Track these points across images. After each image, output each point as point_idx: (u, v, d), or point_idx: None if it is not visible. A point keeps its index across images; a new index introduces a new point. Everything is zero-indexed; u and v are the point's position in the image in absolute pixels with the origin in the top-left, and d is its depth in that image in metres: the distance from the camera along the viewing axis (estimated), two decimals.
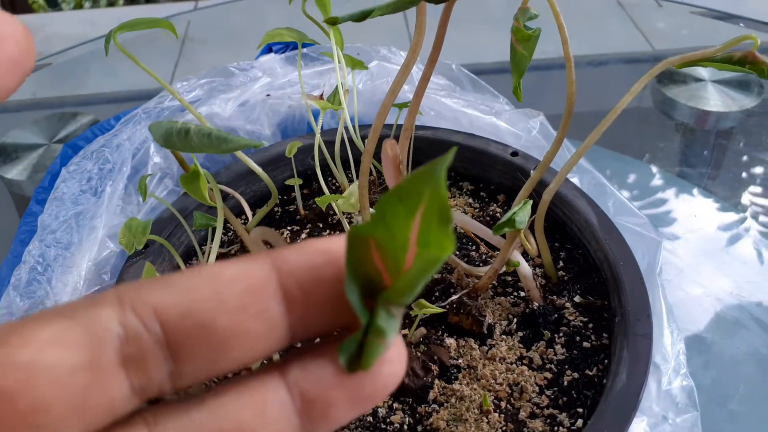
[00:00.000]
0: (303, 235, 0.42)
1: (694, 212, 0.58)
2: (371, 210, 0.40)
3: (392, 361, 0.15)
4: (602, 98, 0.84)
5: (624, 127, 0.69)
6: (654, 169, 0.64)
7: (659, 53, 0.98)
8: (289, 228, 0.43)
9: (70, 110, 0.80)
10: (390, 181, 0.33)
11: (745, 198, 0.60)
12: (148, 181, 0.45)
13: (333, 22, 0.26)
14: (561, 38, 0.31)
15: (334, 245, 0.15)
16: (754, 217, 0.58)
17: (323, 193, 0.43)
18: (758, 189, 0.61)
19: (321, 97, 0.39)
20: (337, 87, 0.40)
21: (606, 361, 0.34)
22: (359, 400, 0.15)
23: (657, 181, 0.62)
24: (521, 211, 0.31)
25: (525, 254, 0.39)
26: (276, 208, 0.45)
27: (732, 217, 0.58)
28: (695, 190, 0.61)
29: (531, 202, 0.32)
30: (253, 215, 0.44)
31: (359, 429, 0.32)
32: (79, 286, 0.39)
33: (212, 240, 0.37)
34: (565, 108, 0.33)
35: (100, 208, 0.43)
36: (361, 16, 0.26)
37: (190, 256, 0.42)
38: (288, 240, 0.42)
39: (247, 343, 0.14)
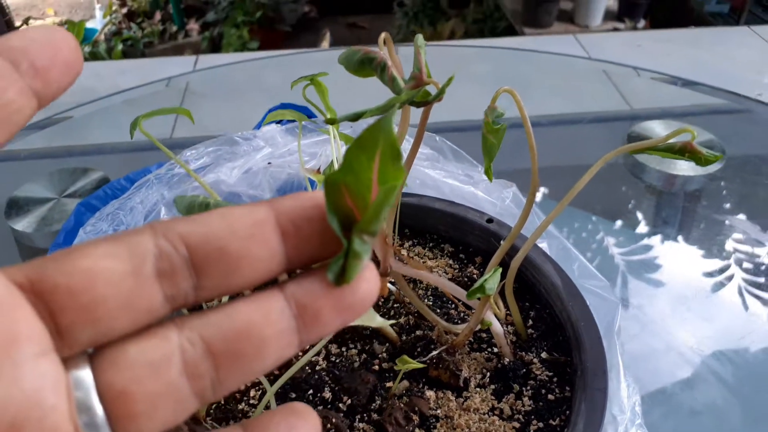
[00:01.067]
0: None
1: (661, 271, 0.63)
2: None
3: (368, 279, 0.19)
4: (583, 153, 0.90)
5: (596, 188, 0.74)
6: (622, 229, 0.69)
7: (635, 113, 1.04)
8: None
9: (79, 161, 0.85)
10: (378, 252, 0.37)
11: (709, 259, 0.65)
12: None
13: (332, 122, 0.31)
14: (529, 144, 0.36)
15: (318, 194, 0.19)
16: (720, 275, 0.63)
17: None
18: (721, 251, 0.66)
19: (318, 170, 0.44)
20: (332, 161, 0.45)
21: (567, 412, 0.38)
22: (343, 309, 0.19)
23: (624, 241, 0.67)
24: (491, 279, 0.35)
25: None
26: None
27: (694, 277, 0.63)
28: (662, 250, 0.66)
29: (501, 269, 0.37)
30: None
31: None
32: None
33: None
34: (529, 191, 0.37)
35: None
36: (355, 117, 0.31)
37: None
38: None
39: (253, 264, 0.18)
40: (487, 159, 0.38)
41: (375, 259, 0.47)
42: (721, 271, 0.63)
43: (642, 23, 2.27)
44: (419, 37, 0.31)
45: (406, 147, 0.55)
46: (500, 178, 0.54)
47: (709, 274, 0.63)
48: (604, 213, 0.71)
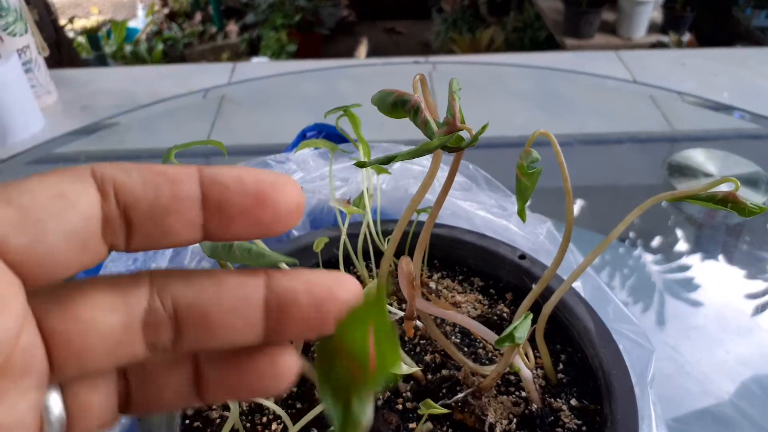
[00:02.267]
0: None
1: (696, 308, 0.61)
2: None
3: None
4: (619, 174, 0.88)
5: (637, 219, 0.72)
6: (659, 260, 0.67)
7: (675, 135, 1.02)
8: None
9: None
10: (405, 292, 0.37)
11: (749, 296, 0.62)
12: (187, 263, 0.50)
13: (362, 165, 0.30)
14: (565, 188, 0.35)
15: (318, 277, 0.19)
16: (758, 315, 0.60)
17: None
18: (762, 287, 0.64)
19: (348, 201, 0.44)
20: (362, 192, 0.44)
21: None
22: None
23: (659, 275, 0.65)
24: (521, 327, 0.34)
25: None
26: None
27: (733, 314, 0.61)
28: (698, 285, 0.64)
29: (531, 315, 0.36)
30: None
31: None
32: None
33: None
34: (563, 235, 0.36)
35: None
36: (386, 161, 0.30)
37: None
38: None
39: (230, 333, 0.19)
40: (520, 201, 0.37)
41: (402, 300, 0.46)
42: (763, 293, 0.61)
43: (687, 36, 2.22)
44: (454, 81, 0.30)
45: (439, 176, 0.54)
46: (534, 196, 0.53)
47: (748, 315, 0.61)
48: (643, 243, 0.69)
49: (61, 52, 2.84)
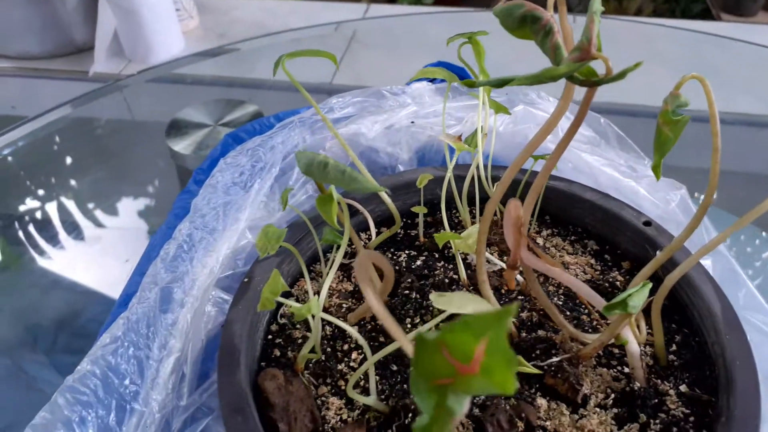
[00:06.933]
0: (418, 261, 0.44)
1: None
2: (486, 256, 0.41)
3: None
4: (765, 161, 0.79)
5: None
6: None
7: None
8: (407, 252, 0.45)
9: (238, 93, 0.87)
10: (509, 240, 0.34)
11: None
12: (293, 183, 0.49)
13: (470, 85, 0.27)
14: (713, 145, 0.30)
15: None
16: None
17: (445, 224, 0.44)
18: None
19: (459, 138, 0.41)
20: (476, 130, 0.41)
21: None
22: None
23: None
24: (637, 295, 0.30)
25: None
26: (399, 230, 0.47)
27: None
28: None
29: (650, 285, 0.32)
30: (378, 233, 0.46)
31: None
32: (215, 269, 0.44)
33: (336, 251, 0.40)
34: (703, 201, 0.32)
35: (246, 201, 0.47)
36: (500, 83, 0.27)
37: (314, 261, 0.45)
38: (403, 263, 0.44)
39: None
40: (657, 155, 0.32)
41: (503, 252, 0.43)
42: None
43: None
44: (596, 1, 0.26)
45: (564, 125, 0.50)
46: (666, 175, 0.47)
47: None
48: None
49: None
